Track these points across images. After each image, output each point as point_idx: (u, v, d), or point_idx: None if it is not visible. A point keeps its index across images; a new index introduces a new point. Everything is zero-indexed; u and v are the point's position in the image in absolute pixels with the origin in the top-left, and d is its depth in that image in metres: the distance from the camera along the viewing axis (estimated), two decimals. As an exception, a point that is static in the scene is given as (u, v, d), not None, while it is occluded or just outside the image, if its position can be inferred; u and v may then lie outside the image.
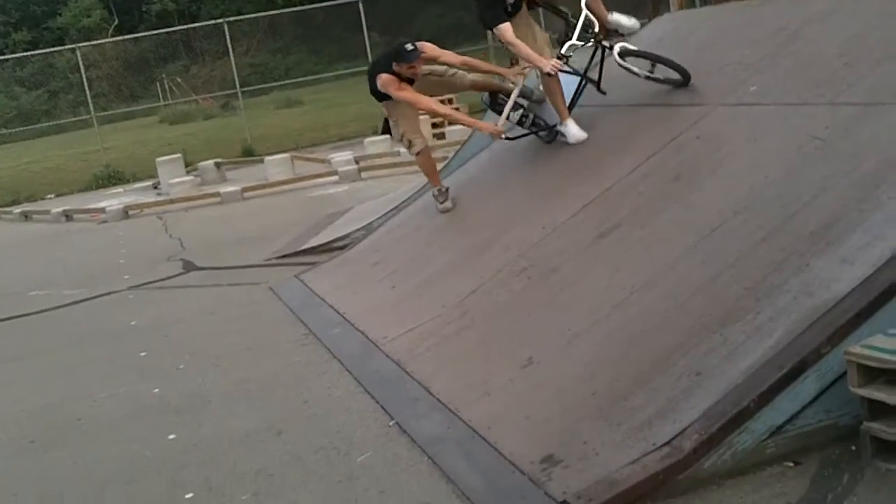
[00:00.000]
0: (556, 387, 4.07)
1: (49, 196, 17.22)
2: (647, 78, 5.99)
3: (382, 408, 4.62)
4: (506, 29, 5.95)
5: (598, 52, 6.10)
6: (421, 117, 7.30)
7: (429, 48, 6.47)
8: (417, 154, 6.88)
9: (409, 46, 6.33)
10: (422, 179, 7.50)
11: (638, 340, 4.05)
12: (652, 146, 5.50)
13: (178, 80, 29.60)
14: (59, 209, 14.20)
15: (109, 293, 8.28)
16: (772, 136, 4.88)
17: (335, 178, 12.82)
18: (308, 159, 15.07)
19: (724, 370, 3.53)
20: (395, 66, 6.39)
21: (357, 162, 13.26)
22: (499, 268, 5.40)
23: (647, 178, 5.28)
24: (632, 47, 6.02)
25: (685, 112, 5.68)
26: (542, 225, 5.53)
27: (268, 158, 14.47)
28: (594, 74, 6.16)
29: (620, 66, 5.96)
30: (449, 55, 6.73)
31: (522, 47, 5.95)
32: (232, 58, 19.47)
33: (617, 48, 5.94)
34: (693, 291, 4.12)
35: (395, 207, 7.90)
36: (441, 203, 6.81)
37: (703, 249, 4.35)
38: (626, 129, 6.02)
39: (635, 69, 5.96)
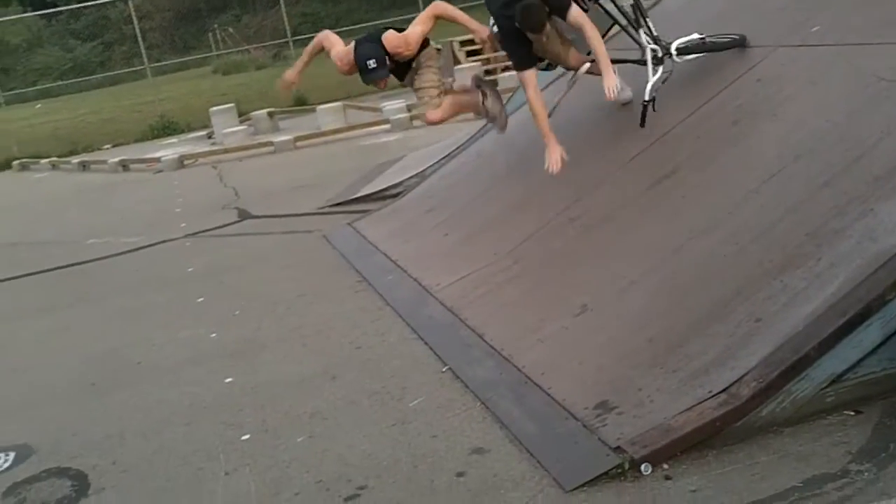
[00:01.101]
0: (610, 334, 4.04)
1: (106, 146, 17.49)
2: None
3: (435, 354, 4.64)
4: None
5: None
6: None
7: (393, 40, 5.52)
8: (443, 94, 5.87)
9: (371, 63, 5.47)
10: (474, 127, 7.43)
11: (695, 287, 3.99)
12: (710, 90, 5.35)
13: (230, 30, 29.65)
14: (116, 159, 14.41)
15: (166, 241, 8.40)
16: (834, 77, 4.72)
17: (387, 126, 12.79)
18: (360, 108, 15.05)
19: (784, 317, 3.46)
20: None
21: (409, 110, 13.19)
22: (553, 215, 5.34)
23: (704, 123, 5.14)
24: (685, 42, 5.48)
25: (744, 54, 5.51)
26: (597, 172, 5.45)
27: (320, 108, 14.49)
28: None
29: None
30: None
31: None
32: (283, 7, 19.42)
33: (673, 51, 5.42)
34: (752, 237, 4.02)
35: (448, 155, 7.85)
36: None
37: (762, 194, 4.23)
38: (684, 73, 5.87)
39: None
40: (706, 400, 3.32)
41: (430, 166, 7.93)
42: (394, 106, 13.56)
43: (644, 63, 5.34)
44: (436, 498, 3.27)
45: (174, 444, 4.11)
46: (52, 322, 6.41)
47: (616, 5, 5.54)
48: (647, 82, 5.23)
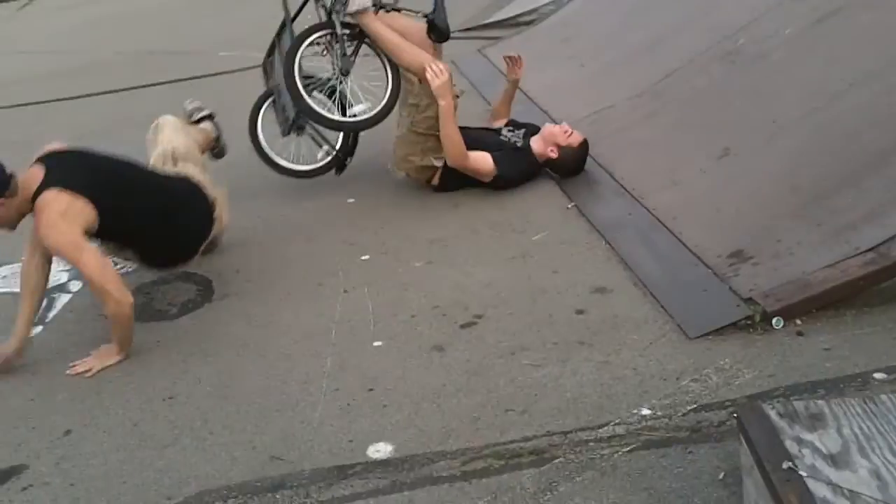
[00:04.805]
0: (752, 180, 3.79)
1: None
2: None
3: (561, 189, 4.49)
4: None
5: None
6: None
7: None
8: None
9: None
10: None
11: (852, 137, 3.66)
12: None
13: None
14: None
15: (295, 57, 8.30)
16: None
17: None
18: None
19: (951, 176, 3.15)
20: None
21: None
22: (700, 51, 4.98)
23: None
24: None
25: None
26: (752, 5, 5.01)
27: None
28: None
29: None
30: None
31: None
32: None
33: None
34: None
35: (588, -18, 7.41)
36: None
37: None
38: None
39: None
40: (851, 257, 3.09)
41: (568, -7, 7.52)
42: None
43: None
44: (553, 333, 3.20)
45: (296, 258, 4.15)
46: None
47: None
48: None
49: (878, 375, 2.69)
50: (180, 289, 4.00)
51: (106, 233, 3.56)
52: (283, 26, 4.67)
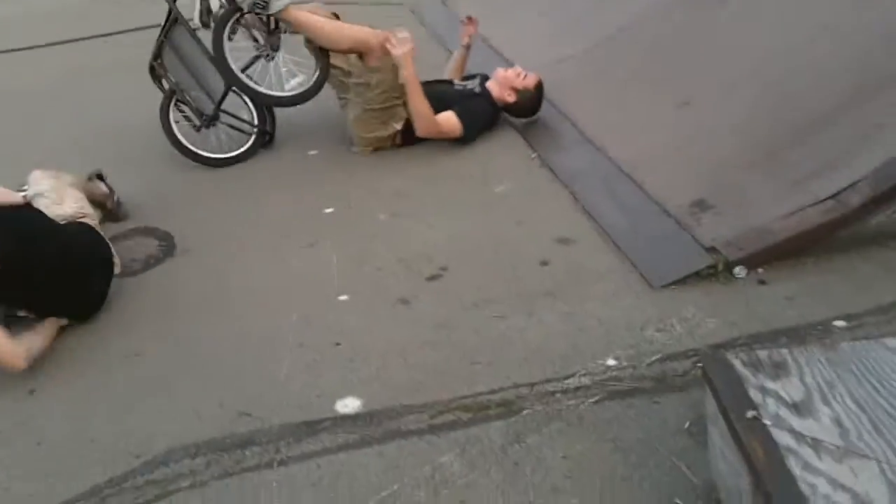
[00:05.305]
0: (713, 132, 3.80)
1: None
2: None
3: (524, 139, 4.48)
4: None
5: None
6: None
7: None
8: None
9: None
10: None
11: (815, 88, 3.67)
12: None
13: None
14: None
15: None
16: None
17: None
18: None
19: (908, 126, 3.18)
20: None
21: None
22: (661, -2, 4.97)
23: None
24: None
25: None
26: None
27: None
28: None
29: None
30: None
31: None
32: None
33: None
34: (881, 39, 3.65)
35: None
36: None
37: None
38: None
39: None
40: (811, 206, 3.13)
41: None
42: None
43: None
44: (518, 284, 3.21)
45: (259, 213, 4.10)
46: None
47: None
48: None
49: (838, 323, 2.74)
50: (142, 244, 3.95)
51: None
52: (167, 25, 4.50)
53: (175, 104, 4.63)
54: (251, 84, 4.49)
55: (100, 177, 4.22)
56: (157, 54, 4.58)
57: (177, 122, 4.63)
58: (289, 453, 2.51)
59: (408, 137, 4.53)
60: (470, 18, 4.93)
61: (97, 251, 3.51)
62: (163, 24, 4.52)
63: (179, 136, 4.61)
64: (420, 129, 4.43)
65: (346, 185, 4.25)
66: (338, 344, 3.00)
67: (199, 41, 4.49)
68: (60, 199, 3.61)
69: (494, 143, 4.49)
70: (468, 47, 4.98)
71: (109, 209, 4.16)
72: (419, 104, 4.34)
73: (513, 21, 5.93)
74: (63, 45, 7.66)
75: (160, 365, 3.03)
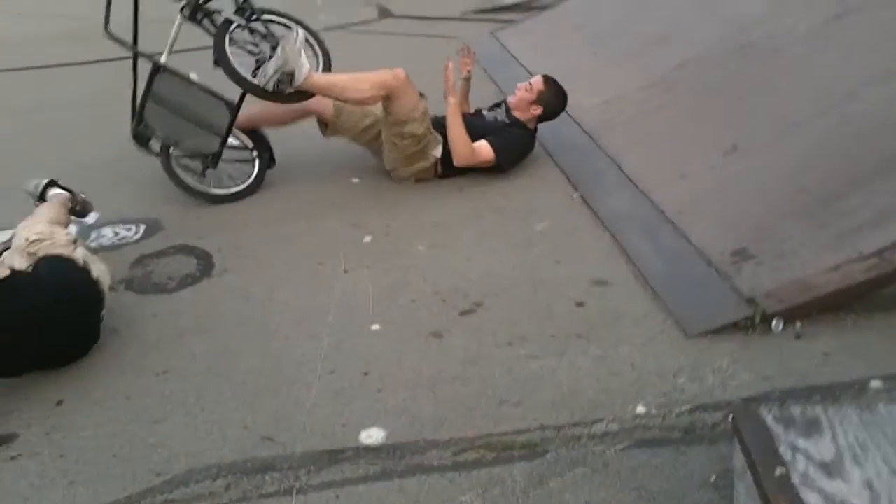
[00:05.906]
0: (760, 178, 3.75)
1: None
2: None
3: (568, 178, 4.46)
4: None
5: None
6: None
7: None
8: None
9: None
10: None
11: (863, 138, 3.62)
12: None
13: None
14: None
15: (306, 32, 8.25)
16: None
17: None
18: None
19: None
20: None
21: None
22: (713, 43, 4.94)
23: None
24: None
25: None
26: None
27: None
28: None
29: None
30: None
31: None
32: None
33: None
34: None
35: (605, -31, 7.34)
36: None
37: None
38: None
39: None
40: (855, 261, 3.06)
41: (584, -21, 7.45)
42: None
43: None
44: (552, 324, 3.18)
45: (297, 237, 4.12)
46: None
47: None
48: None
49: (875, 383, 2.67)
50: (180, 262, 3.98)
51: None
52: (149, 85, 4.33)
53: (177, 160, 4.50)
54: (258, 83, 4.25)
55: (54, 183, 4.11)
56: (139, 121, 4.37)
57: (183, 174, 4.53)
58: (309, 482, 2.50)
59: (447, 167, 4.54)
60: (467, 50, 4.89)
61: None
62: (145, 86, 4.33)
63: (191, 182, 4.53)
64: (458, 158, 4.46)
65: (386, 215, 4.26)
66: (366, 373, 2.99)
67: (187, 77, 4.35)
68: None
69: (537, 181, 4.48)
70: (468, 80, 4.97)
71: (77, 210, 4.12)
72: (458, 131, 4.42)
73: (562, 58, 5.93)
74: (96, 65, 7.81)
75: (188, 383, 3.04)
